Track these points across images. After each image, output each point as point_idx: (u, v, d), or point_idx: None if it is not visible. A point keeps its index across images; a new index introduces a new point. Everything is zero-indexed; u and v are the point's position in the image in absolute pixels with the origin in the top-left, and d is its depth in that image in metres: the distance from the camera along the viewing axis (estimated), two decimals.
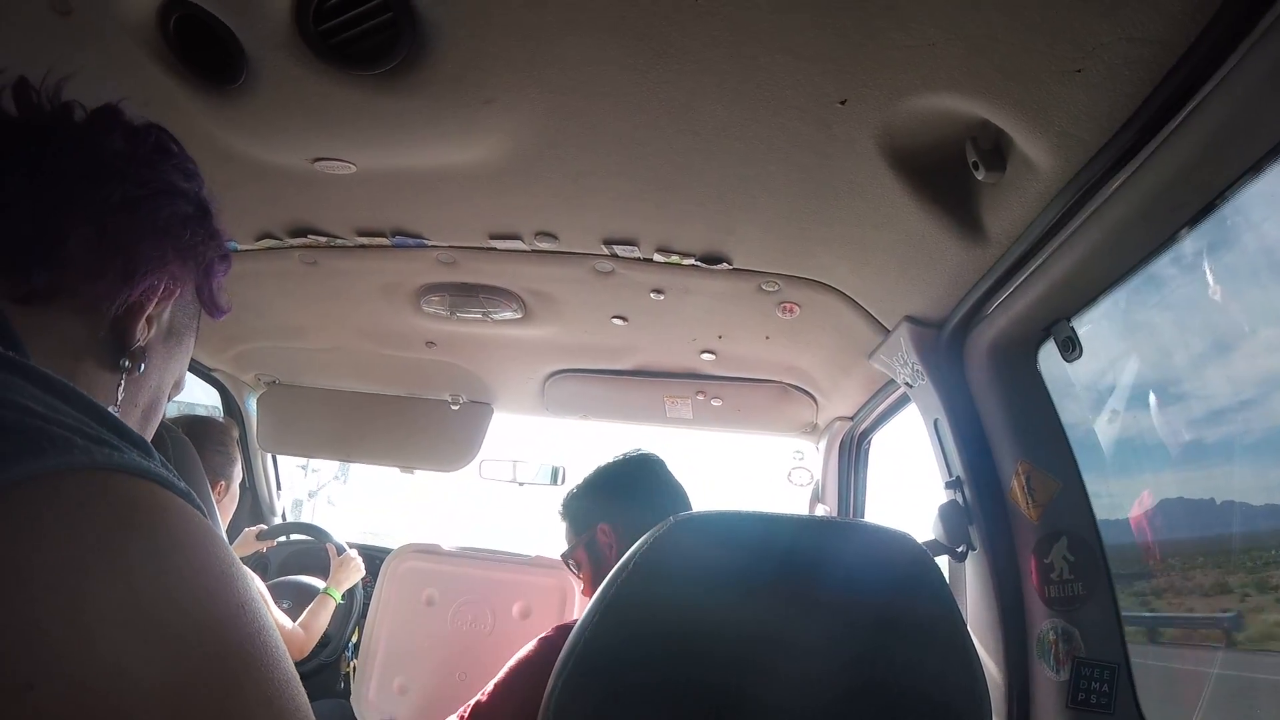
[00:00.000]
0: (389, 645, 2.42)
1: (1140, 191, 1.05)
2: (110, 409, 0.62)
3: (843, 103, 1.11)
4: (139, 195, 0.69)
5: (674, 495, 1.75)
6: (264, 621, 0.48)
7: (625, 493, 1.74)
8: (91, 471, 0.46)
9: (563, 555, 1.82)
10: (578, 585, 2.40)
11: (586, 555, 1.73)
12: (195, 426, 2.09)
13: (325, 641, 2.55)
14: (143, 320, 0.68)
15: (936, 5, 0.90)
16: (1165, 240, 1.16)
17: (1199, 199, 1.05)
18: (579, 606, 2.34)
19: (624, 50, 1.05)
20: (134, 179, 0.69)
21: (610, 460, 1.83)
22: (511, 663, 1.51)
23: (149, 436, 0.76)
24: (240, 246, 1.79)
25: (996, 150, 1.13)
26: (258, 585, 2.30)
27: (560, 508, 1.84)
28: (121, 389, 0.68)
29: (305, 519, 3.35)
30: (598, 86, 1.14)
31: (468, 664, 2.32)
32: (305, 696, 0.49)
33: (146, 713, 0.40)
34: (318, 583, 2.67)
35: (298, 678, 0.49)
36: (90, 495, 0.45)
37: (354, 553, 2.71)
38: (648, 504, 1.68)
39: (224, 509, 2.12)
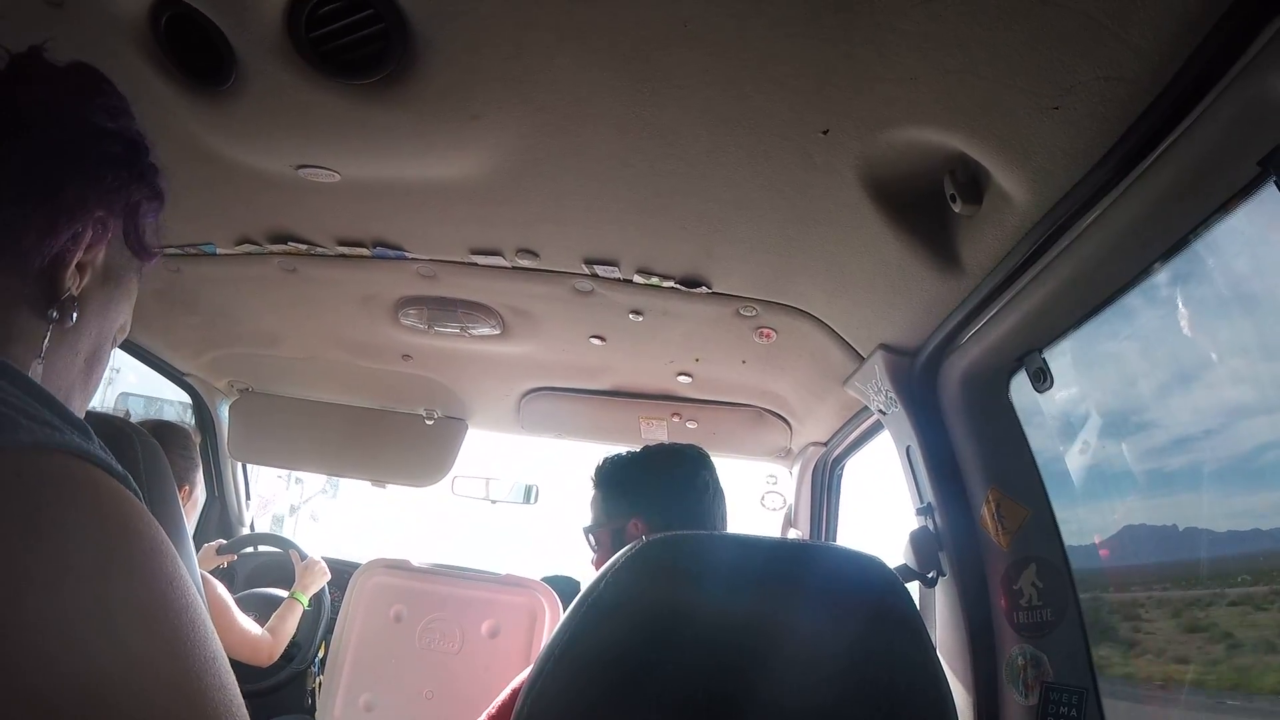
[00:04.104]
0: (355, 661, 2.39)
1: (1113, 228, 1.07)
2: (36, 361, 0.64)
3: (824, 132, 1.13)
4: (59, 145, 0.67)
5: (717, 501, 1.73)
6: (192, 598, 0.50)
7: (669, 491, 1.70)
8: (34, 450, 0.49)
9: (585, 529, 1.77)
10: (551, 601, 2.38)
11: (610, 540, 1.68)
12: (159, 430, 2.09)
13: (294, 649, 2.54)
14: (70, 269, 0.67)
15: (919, 40, 0.93)
16: (1136, 276, 1.18)
17: (1170, 236, 1.08)
18: (549, 627, 2.32)
19: (612, 73, 1.07)
20: (54, 128, 0.67)
21: (667, 451, 1.79)
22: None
23: (93, 386, 0.75)
24: (219, 250, 1.78)
25: (974, 184, 1.16)
26: (223, 593, 2.29)
27: (596, 475, 1.78)
28: (46, 341, 0.66)
29: (287, 534, 3.32)
30: (584, 107, 1.15)
31: (435, 682, 2.29)
32: (232, 675, 0.50)
33: (68, 675, 0.42)
34: (285, 595, 2.63)
35: (225, 657, 0.51)
36: (31, 471, 0.48)
37: (318, 556, 2.71)
38: (689, 509, 1.67)
39: (188, 513, 2.10)
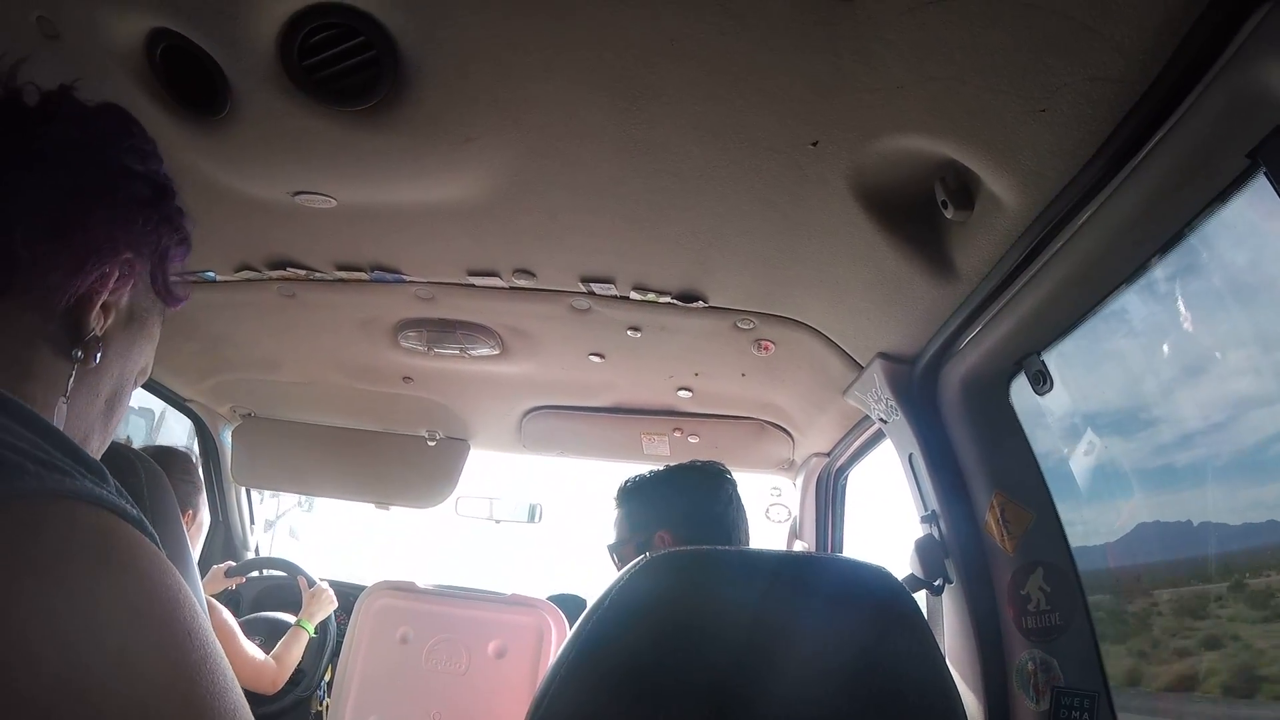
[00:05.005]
0: (362, 684, 2.37)
1: (1105, 227, 1.07)
2: (61, 400, 0.63)
3: (814, 144, 1.13)
4: (89, 184, 0.67)
5: (740, 515, 1.75)
6: (212, 649, 0.48)
7: (694, 503, 1.72)
8: (41, 498, 0.46)
9: (610, 547, 1.79)
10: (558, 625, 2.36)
11: (635, 555, 1.70)
12: (161, 456, 2.08)
13: (299, 676, 2.54)
14: (95, 310, 0.66)
15: (904, 50, 0.93)
16: (1131, 274, 1.18)
17: (1163, 232, 1.07)
18: (555, 646, 2.31)
19: (602, 92, 1.08)
20: (84, 166, 0.67)
21: (691, 466, 1.81)
22: None
23: (113, 427, 0.75)
24: (219, 277, 1.79)
25: (964, 189, 1.16)
26: (228, 618, 2.30)
27: (619, 496, 1.81)
28: (71, 380, 0.65)
29: (264, 551, 3.32)
30: (576, 127, 1.16)
31: (442, 704, 2.28)
32: None
33: None
34: (291, 619, 2.64)
35: (246, 706, 0.49)
36: (38, 522, 0.45)
37: (325, 584, 2.71)
38: (715, 521, 1.68)
39: (193, 537, 2.12)
